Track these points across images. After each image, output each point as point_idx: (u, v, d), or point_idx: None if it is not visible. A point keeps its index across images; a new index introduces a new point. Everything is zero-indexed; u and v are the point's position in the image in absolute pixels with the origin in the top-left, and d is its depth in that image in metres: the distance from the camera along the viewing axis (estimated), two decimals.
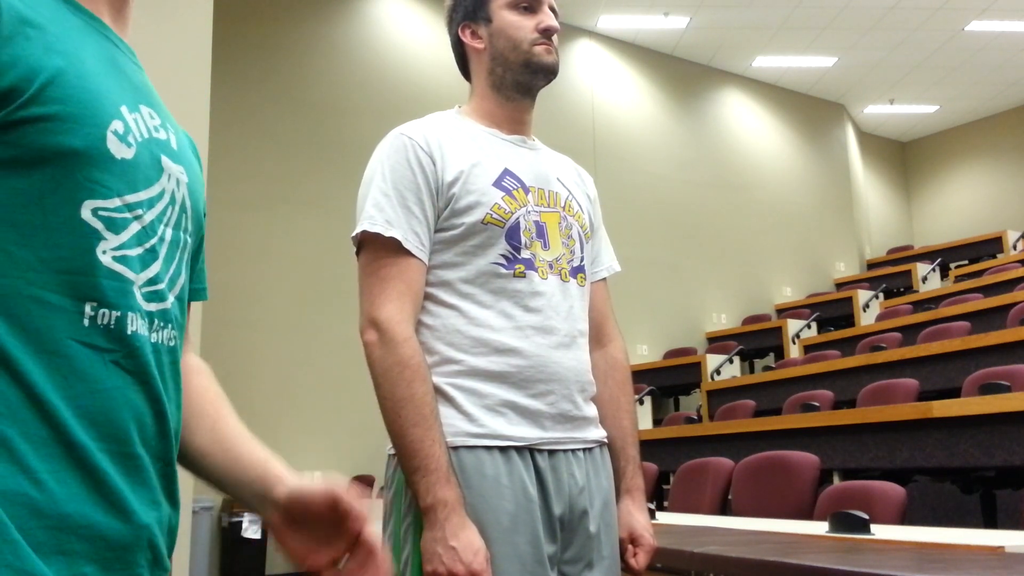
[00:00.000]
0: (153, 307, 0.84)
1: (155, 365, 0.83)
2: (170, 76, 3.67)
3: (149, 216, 0.83)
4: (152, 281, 0.84)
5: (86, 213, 0.77)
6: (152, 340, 0.83)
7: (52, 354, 0.73)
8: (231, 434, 0.98)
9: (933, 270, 10.24)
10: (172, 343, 0.87)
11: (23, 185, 0.73)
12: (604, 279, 1.69)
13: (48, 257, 0.74)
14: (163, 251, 0.86)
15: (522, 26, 1.54)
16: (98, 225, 0.78)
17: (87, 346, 0.76)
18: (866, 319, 8.95)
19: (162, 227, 0.86)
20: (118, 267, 0.79)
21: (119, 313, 0.79)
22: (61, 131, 0.75)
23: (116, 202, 0.79)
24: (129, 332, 0.80)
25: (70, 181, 0.76)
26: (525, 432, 1.42)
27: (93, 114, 0.78)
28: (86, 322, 0.76)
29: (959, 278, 9.64)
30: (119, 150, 0.80)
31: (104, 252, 0.78)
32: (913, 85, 11.40)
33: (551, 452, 1.44)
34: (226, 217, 6.58)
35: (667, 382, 8.48)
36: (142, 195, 0.83)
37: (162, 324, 0.85)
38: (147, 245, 0.83)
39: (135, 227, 0.81)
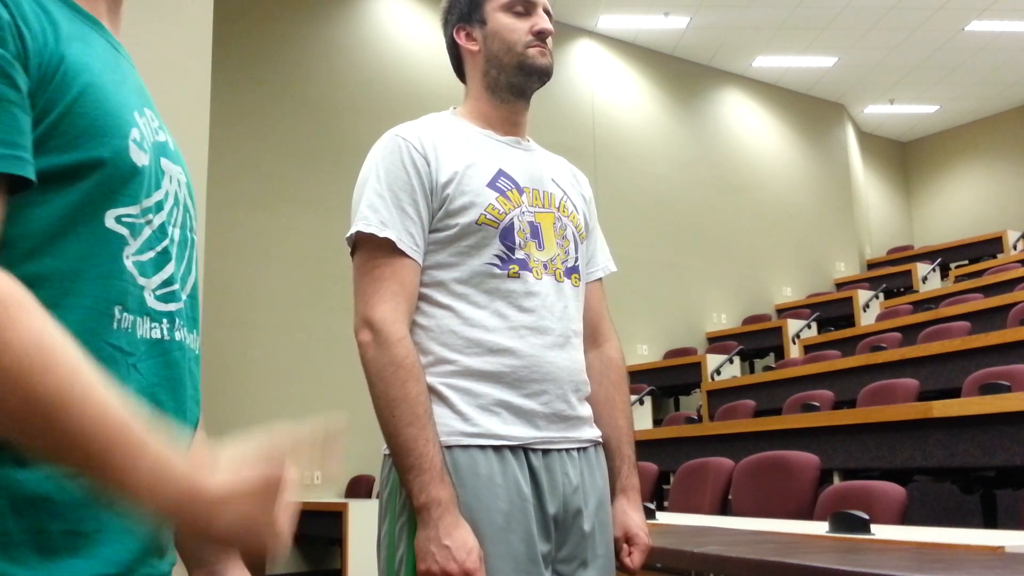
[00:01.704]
0: (172, 307, 0.86)
1: (172, 365, 0.85)
2: (170, 76, 3.67)
3: (158, 219, 0.86)
4: (167, 283, 0.86)
5: (110, 221, 0.79)
6: (177, 339, 0.86)
7: (87, 356, 0.75)
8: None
9: (933, 270, 10.24)
10: (188, 341, 0.90)
11: (60, 196, 0.75)
12: (600, 279, 1.70)
13: (84, 265, 0.76)
14: (174, 252, 0.88)
15: (516, 28, 1.55)
16: (123, 231, 0.80)
17: (116, 349, 0.79)
18: (866, 319, 8.95)
19: (171, 228, 0.89)
20: (135, 272, 0.82)
21: (133, 317, 0.81)
22: (92, 144, 0.77)
23: (136, 208, 0.82)
24: (139, 336, 0.82)
25: (100, 191, 0.78)
26: (519, 431, 1.42)
27: (117, 124, 0.80)
28: (115, 326, 0.79)
29: (959, 278, 9.64)
30: (139, 158, 0.82)
31: (127, 257, 0.81)
32: (913, 85, 11.39)
33: (545, 451, 1.45)
34: (226, 217, 6.58)
35: (667, 382, 8.47)
36: (152, 199, 0.85)
37: (181, 323, 0.88)
38: (159, 248, 0.85)
39: (147, 231, 0.84)
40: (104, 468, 0.64)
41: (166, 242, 0.87)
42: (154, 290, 0.84)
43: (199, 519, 0.68)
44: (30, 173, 0.71)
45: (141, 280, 0.83)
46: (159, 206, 0.86)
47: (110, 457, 0.64)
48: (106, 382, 0.67)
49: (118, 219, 0.80)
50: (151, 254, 0.84)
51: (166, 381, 0.85)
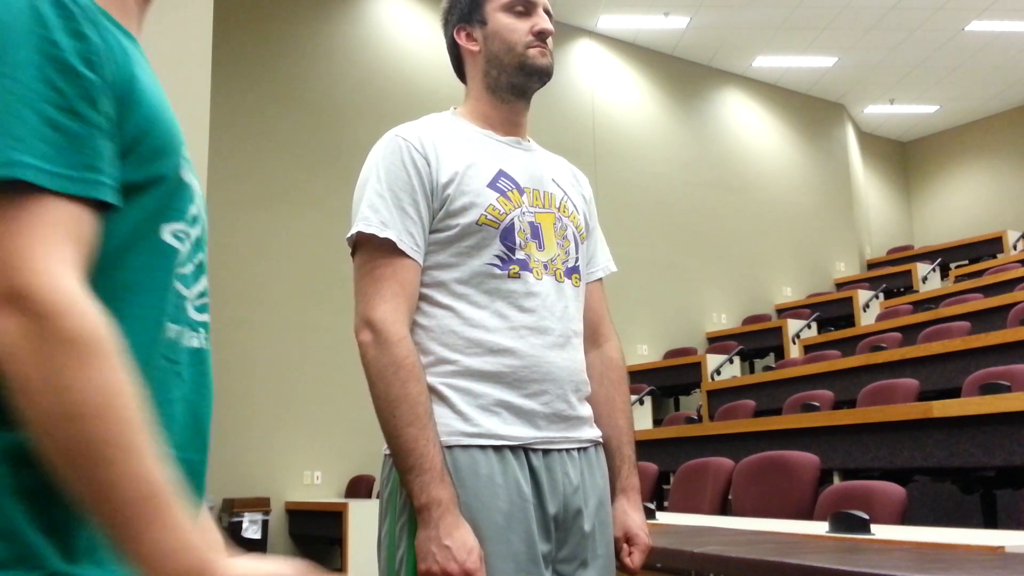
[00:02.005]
0: (205, 317, 0.90)
1: (206, 374, 0.89)
2: (170, 76, 3.66)
3: (195, 232, 0.88)
4: (203, 293, 0.90)
5: (167, 235, 0.82)
6: (206, 349, 0.90)
7: (147, 366, 0.78)
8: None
9: (933, 270, 10.24)
10: (208, 348, 0.94)
11: (129, 212, 0.78)
12: (600, 279, 1.70)
13: (145, 278, 0.80)
14: (206, 263, 0.93)
15: (516, 29, 1.55)
16: (177, 245, 0.84)
17: (167, 359, 0.83)
18: (866, 319, 8.94)
19: (202, 241, 0.93)
20: (179, 284, 0.85)
21: (180, 328, 0.85)
22: (158, 161, 0.81)
23: (184, 223, 0.85)
24: (183, 345, 0.86)
25: (160, 206, 0.82)
26: (519, 431, 1.42)
27: (173, 141, 0.84)
28: (167, 336, 0.82)
29: (959, 278, 9.64)
30: (187, 173, 0.86)
31: (177, 270, 0.85)
32: (913, 85, 11.39)
33: (545, 451, 1.45)
34: (226, 217, 6.58)
35: (667, 382, 8.47)
36: (191, 212, 0.88)
37: (208, 332, 0.92)
38: (196, 260, 0.88)
39: (188, 244, 0.87)
40: (128, 524, 0.67)
41: (201, 255, 0.90)
42: (194, 300, 0.88)
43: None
44: (111, 197, 0.74)
45: (184, 291, 0.86)
46: (196, 219, 0.89)
47: (136, 514, 0.66)
48: (152, 439, 0.69)
49: (174, 233, 0.83)
50: (191, 267, 0.87)
51: (203, 388, 0.88)
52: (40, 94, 0.69)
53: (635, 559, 1.55)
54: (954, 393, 4.23)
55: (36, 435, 0.65)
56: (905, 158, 13.63)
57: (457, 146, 1.51)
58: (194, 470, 0.85)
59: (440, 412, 1.40)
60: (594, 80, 9.60)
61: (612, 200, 8.74)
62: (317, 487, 6.87)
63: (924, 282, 9.98)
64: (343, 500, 6.40)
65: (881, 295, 9.59)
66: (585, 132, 9.26)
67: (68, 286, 0.67)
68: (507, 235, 1.47)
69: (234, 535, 6.08)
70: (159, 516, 0.67)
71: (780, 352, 8.75)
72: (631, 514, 1.56)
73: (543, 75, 1.56)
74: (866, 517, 2.13)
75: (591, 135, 9.31)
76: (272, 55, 7.54)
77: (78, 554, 0.71)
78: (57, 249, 0.68)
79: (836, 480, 3.65)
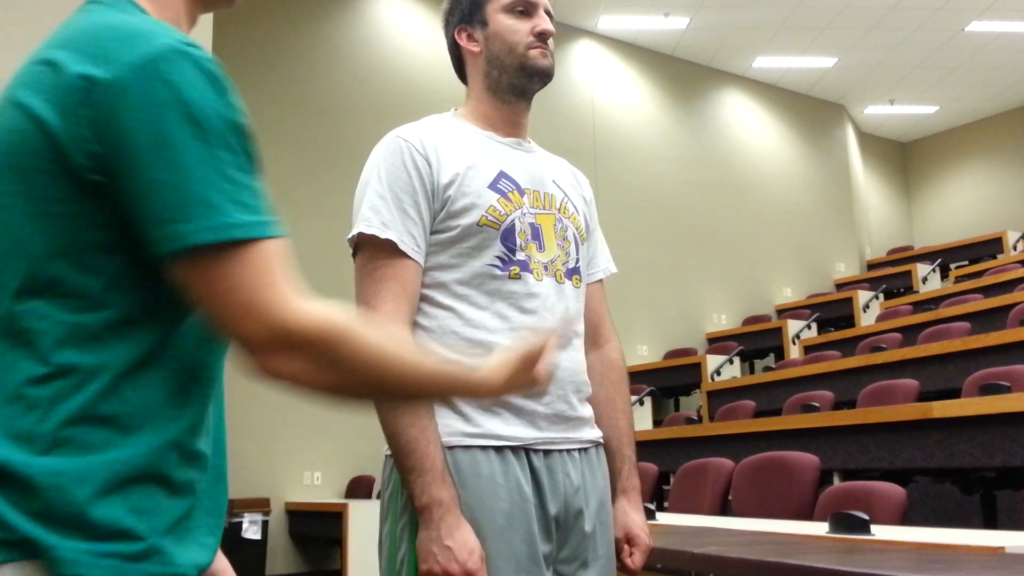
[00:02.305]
0: None
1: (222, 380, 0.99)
2: None
3: None
4: None
5: None
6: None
7: (215, 381, 0.93)
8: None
9: (933, 270, 10.24)
10: None
11: None
12: (601, 280, 1.70)
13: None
14: None
15: (517, 30, 1.55)
16: None
17: (220, 375, 0.94)
18: (866, 320, 8.94)
19: None
20: None
21: None
22: None
23: None
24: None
25: None
26: (520, 432, 1.42)
27: None
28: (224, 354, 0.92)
29: (959, 279, 9.64)
30: None
31: None
32: (913, 85, 11.39)
33: (546, 452, 1.45)
34: None
35: (667, 383, 8.47)
36: None
37: None
38: None
39: None
40: (450, 391, 1.01)
41: None
42: None
43: (488, 396, 0.99)
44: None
45: None
46: None
47: (447, 388, 0.97)
48: (420, 348, 0.98)
49: None
50: None
51: (221, 395, 1.00)
52: (232, 162, 0.80)
53: (636, 559, 1.55)
54: (954, 394, 4.23)
55: (356, 404, 0.93)
56: (905, 158, 13.63)
57: (458, 147, 1.51)
58: (222, 474, 0.95)
59: (441, 412, 1.40)
60: (594, 80, 9.60)
61: (612, 200, 8.73)
62: (317, 487, 6.87)
63: (924, 283, 9.98)
64: (343, 500, 6.40)
65: (881, 296, 9.59)
66: (585, 132, 9.25)
67: (299, 308, 0.80)
68: (508, 236, 1.47)
69: (234, 535, 6.08)
70: (457, 386, 0.95)
71: (780, 353, 8.75)
72: (632, 515, 1.57)
73: (544, 76, 1.56)
74: (866, 518, 2.13)
75: (591, 135, 9.31)
76: (272, 55, 7.54)
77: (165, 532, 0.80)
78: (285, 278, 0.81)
79: (836, 481, 3.64)
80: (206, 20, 4.04)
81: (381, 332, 0.88)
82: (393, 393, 0.92)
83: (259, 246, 0.80)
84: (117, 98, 0.77)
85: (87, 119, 0.77)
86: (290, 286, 0.81)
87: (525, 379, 0.99)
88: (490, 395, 0.97)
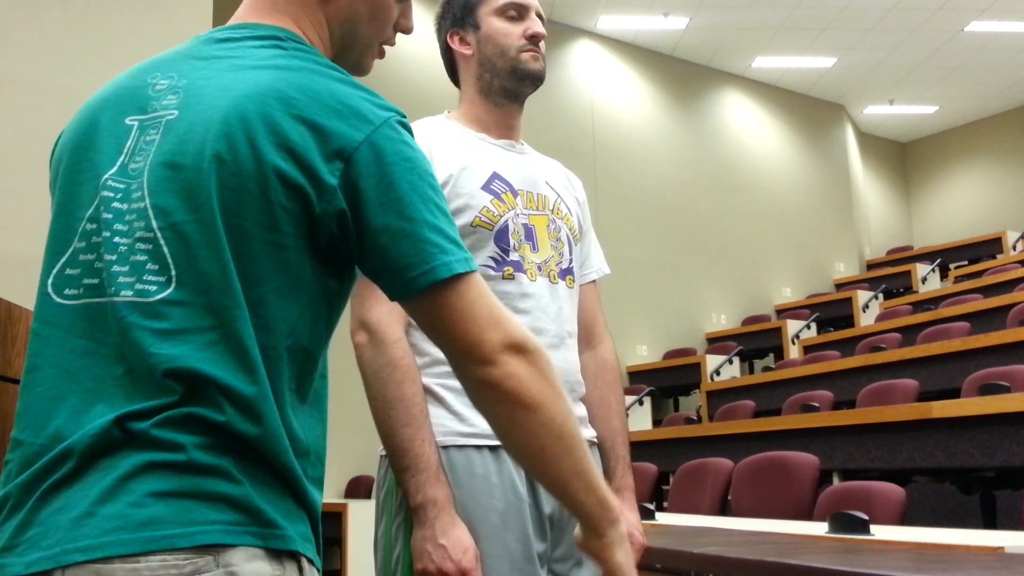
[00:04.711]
0: None
1: None
2: None
3: None
4: None
5: None
6: None
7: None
8: None
9: (933, 270, 10.24)
10: None
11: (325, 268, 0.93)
12: (594, 281, 1.71)
13: (333, 324, 1.01)
14: None
15: (509, 33, 1.56)
16: None
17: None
18: (866, 320, 8.95)
19: None
20: None
21: None
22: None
23: None
24: None
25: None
26: None
27: None
28: None
29: (959, 278, 9.64)
30: None
31: None
32: (913, 85, 11.40)
33: None
34: None
35: (667, 383, 8.47)
36: None
37: None
38: None
39: None
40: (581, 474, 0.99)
41: None
42: None
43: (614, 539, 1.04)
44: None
45: None
46: None
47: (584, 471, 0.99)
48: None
49: None
50: None
51: None
52: (440, 207, 0.90)
53: None
54: (954, 394, 4.23)
55: (546, 411, 0.95)
56: (905, 158, 13.63)
57: (451, 149, 1.52)
58: None
59: (436, 412, 1.41)
60: (594, 81, 9.59)
61: (612, 200, 8.73)
62: None
63: (924, 283, 9.98)
64: (342, 500, 6.40)
65: (881, 296, 9.59)
66: (585, 132, 9.25)
67: (520, 326, 0.92)
68: (501, 237, 1.48)
69: None
70: (590, 471, 0.98)
71: (780, 353, 8.76)
72: (626, 514, 1.57)
73: (535, 79, 1.57)
74: (866, 518, 2.12)
75: (591, 135, 9.31)
76: None
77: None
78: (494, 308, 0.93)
79: (836, 480, 3.64)
80: (206, 20, 4.04)
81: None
82: (563, 427, 0.94)
83: (473, 275, 0.91)
84: (377, 156, 0.87)
85: (347, 173, 0.86)
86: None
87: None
88: (608, 522, 1.02)
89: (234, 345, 0.82)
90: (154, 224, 0.83)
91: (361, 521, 5.65)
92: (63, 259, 0.88)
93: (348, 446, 6.85)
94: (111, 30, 3.92)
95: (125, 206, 0.85)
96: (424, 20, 8.87)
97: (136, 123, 0.89)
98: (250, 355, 0.82)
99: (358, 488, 6.73)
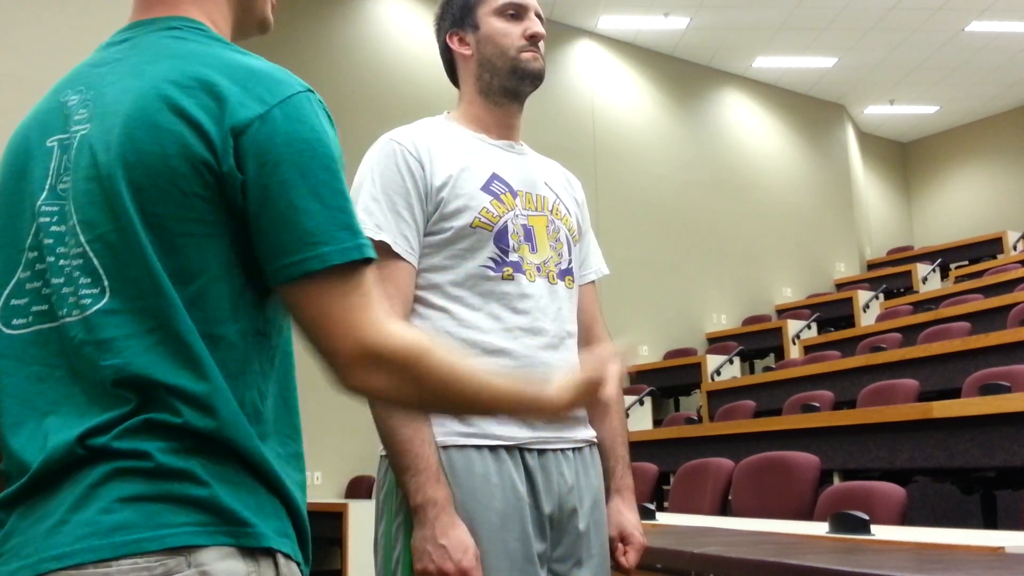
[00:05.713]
0: None
1: None
2: None
3: None
4: None
5: None
6: None
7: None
8: None
9: (933, 270, 10.23)
10: None
11: None
12: (593, 282, 1.71)
13: None
14: None
15: (509, 33, 1.56)
16: None
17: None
18: (866, 320, 8.94)
19: None
20: None
21: None
22: None
23: None
24: None
25: None
26: (514, 431, 1.43)
27: None
28: None
29: (959, 279, 9.64)
30: None
31: None
32: (913, 85, 11.39)
33: (540, 451, 1.46)
34: None
35: (667, 383, 8.47)
36: None
37: None
38: None
39: None
40: (505, 411, 1.05)
41: None
42: None
43: (552, 416, 1.03)
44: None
45: None
46: None
47: (509, 407, 1.02)
48: (492, 370, 1.01)
49: None
50: None
51: None
52: (344, 191, 0.89)
53: (630, 558, 1.56)
54: (954, 394, 4.23)
55: (426, 410, 1.09)
56: (905, 158, 13.63)
57: (451, 149, 1.52)
58: None
59: None
60: (594, 81, 9.59)
61: (612, 200, 8.73)
62: (317, 488, 6.87)
63: (924, 283, 9.98)
64: (343, 501, 6.40)
65: (881, 296, 9.58)
66: (585, 133, 9.25)
67: (385, 331, 0.88)
68: (501, 237, 1.49)
69: None
70: (524, 403, 0.99)
71: (780, 353, 8.75)
72: (626, 513, 1.58)
73: (535, 79, 1.57)
74: (866, 518, 2.12)
75: (591, 135, 9.30)
76: (271, 55, 7.42)
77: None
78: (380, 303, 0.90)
79: (836, 480, 3.64)
80: None
81: (456, 354, 0.96)
82: (467, 408, 1.01)
83: (364, 266, 0.89)
84: (269, 134, 0.85)
85: (239, 149, 0.84)
86: (382, 308, 0.90)
87: (588, 400, 1.05)
88: (555, 413, 1.01)
89: (176, 344, 0.82)
90: (82, 239, 0.85)
91: (361, 521, 5.65)
92: (7, 290, 0.89)
93: (348, 446, 6.85)
94: (111, 30, 3.91)
95: (62, 227, 0.87)
96: (424, 21, 8.90)
97: (56, 143, 0.90)
98: (194, 350, 0.82)
99: (358, 488, 6.74)
